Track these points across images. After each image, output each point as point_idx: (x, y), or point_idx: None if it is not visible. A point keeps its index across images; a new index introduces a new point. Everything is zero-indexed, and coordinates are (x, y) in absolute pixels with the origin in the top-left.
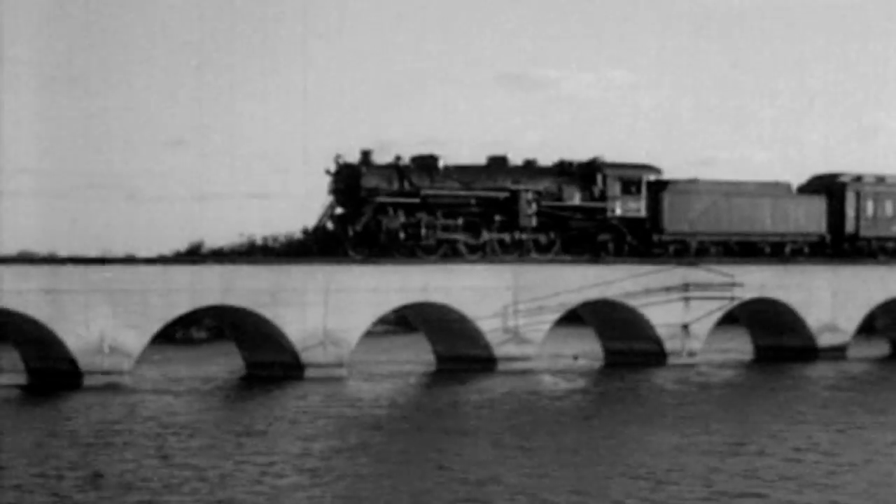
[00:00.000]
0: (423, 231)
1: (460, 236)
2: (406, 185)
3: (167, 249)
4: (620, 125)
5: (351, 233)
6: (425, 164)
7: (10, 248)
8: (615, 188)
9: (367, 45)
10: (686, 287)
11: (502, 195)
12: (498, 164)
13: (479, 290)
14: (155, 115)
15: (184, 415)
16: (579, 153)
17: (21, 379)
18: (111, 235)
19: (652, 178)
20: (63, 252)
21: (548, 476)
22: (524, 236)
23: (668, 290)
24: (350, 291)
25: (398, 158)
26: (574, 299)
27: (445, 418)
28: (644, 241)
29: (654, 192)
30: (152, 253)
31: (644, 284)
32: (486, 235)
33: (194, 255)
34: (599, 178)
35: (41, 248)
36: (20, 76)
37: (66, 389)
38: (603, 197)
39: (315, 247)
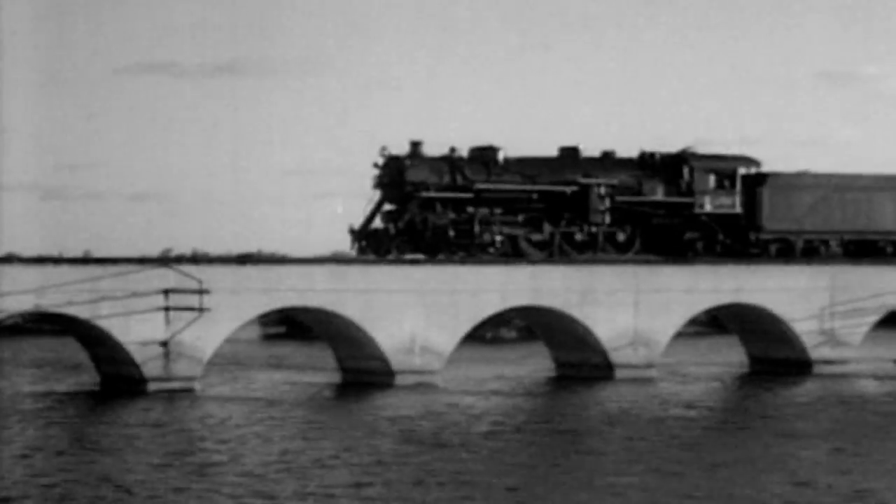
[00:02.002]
0: (477, 228)
1: (520, 233)
2: (459, 178)
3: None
4: None
5: (393, 230)
6: (483, 156)
7: (324, 250)
8: (704, 182)
9: (685, 42)
10: None
11: (570, 189)
12: (568, 155)
13: (794, 292)
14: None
15: (497, 414)
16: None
17: (335, 377)
18: None
19: (749, 170)
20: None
21: (885, 478)
22: (595, 232)
23: None
24: (661, 292)
25: (452, 150)
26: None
27: (766, 419)
28: (739, 239)
29: (751, 186)
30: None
31: None
32: (549, 232)
33: (504, 256)
34: (686, 170)
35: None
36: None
37: (379, 388)
38: (690, 191)
39: (359, 245)
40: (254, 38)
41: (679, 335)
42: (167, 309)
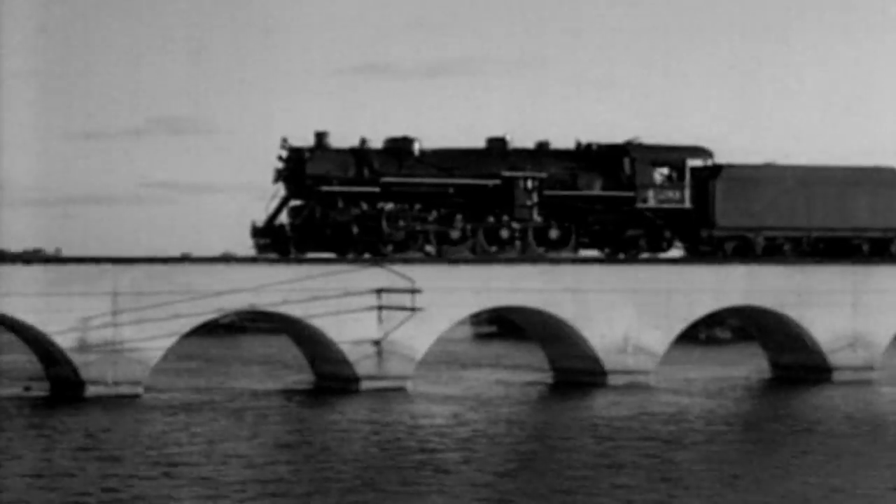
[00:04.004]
0: (385, 224)
1: (431, 230)
2: (366, 172)
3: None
4: None
5: (288, 228)
6: (396, 148)
7: None
8: (648, 174)
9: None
10: None
11: (492, 183)
12: (494, 147)
13: None
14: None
15: (715, 415)
16: None
17: (547, 377)
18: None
19: (700, 162)
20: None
21: None
22: (521, 229)
23: None
24: (880, 292)
25: (363, 142)
26: None
27: None
28: (689, 236)
29: (703, 179)
30: (670, 253)
31: None
32: (466, 229)
33: (717, 255)
34: (627, 162)
35: None
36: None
37: (591, 388)
38: (631, 184)
39: (259, 243)
40: (464, 38)
41: None
42: (380, 308)
